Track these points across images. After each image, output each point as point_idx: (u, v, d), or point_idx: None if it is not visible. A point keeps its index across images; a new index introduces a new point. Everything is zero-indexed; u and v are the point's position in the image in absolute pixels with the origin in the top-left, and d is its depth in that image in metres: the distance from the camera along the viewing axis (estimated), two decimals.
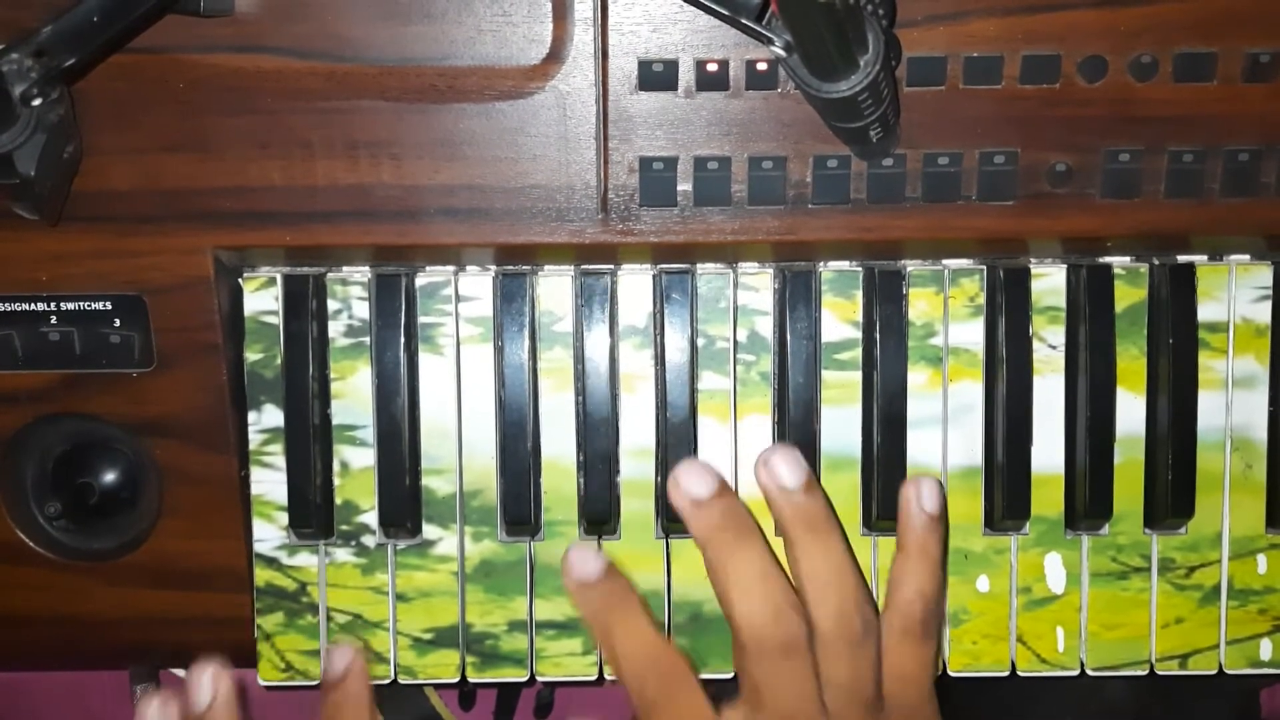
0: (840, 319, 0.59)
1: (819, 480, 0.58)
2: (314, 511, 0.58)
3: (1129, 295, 0.59)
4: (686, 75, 0.55)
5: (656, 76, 0.55)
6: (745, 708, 0.52)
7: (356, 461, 0.59)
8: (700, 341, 0.59)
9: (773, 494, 0.53)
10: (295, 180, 0.56)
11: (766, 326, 0.59)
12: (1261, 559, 0.60)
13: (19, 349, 0.57)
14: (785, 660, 0.51)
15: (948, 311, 0.59)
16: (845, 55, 0.48)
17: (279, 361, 0.58)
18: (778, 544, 0.53)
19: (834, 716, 0.51)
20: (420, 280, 0.59)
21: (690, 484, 0.52)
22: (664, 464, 0.59)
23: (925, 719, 0.54)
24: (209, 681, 0.52)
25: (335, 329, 0.59)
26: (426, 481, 0.59)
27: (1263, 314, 0.59)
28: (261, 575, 0.59)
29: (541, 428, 0.59)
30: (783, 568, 0.52)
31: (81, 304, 0.57)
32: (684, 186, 0.56)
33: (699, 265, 0.59)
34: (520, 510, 0.59)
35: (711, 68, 0.55)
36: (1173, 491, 0.59)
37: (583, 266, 0.59)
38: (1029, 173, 0.56)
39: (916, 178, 0.56)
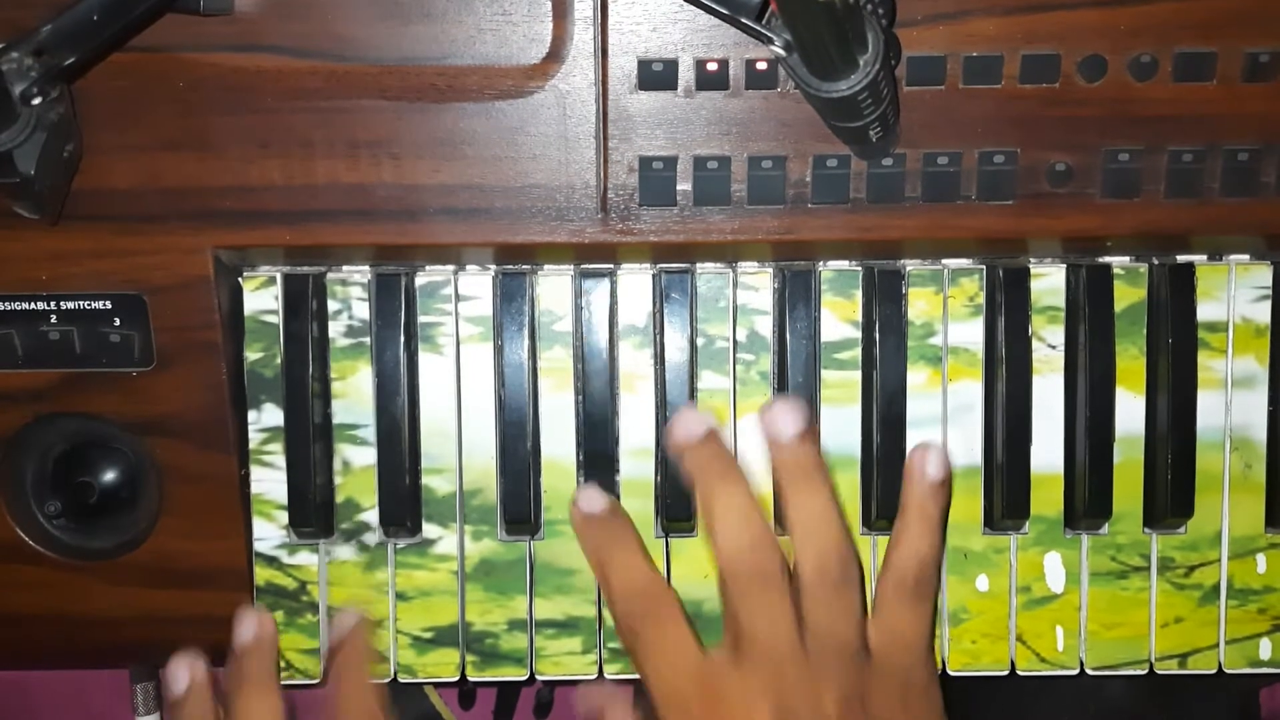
0: (840, 318, 0.59)
1: None
2: (314, 510, 0.58)
3: (1128, 295, 0.59)
4: (686, 74, 0.55)
5: (656, 76, 0.55)
6: (728, 641, 0.54)
7: (357, 460, 0.59)
8: (700, 341, 0.59)
9: (769, 441, 0.54)
10: (295, 179, 0.56)
11: (766, 326, 0.59)
12: (1261, 558, 0.60)
13: (19, 348, 0.57)
14: (762, 591, 0.52)
15: (947, 311, 0.59)
16: (845, 54, 0.48)
17: (279, 361, 0.58)
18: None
19: (814, 658, 0.52)
20: (420, 280, 0.59)
21: (685, 426, 0.54)
22: (664, 463, 0.59)
23: (920, 678, 0.55)
24: (253, 623, 0.56)
25: (335, 328, 0.59)
26: (426, 480, 0.59)
27: (1262, 314, 0.59)
28: (262, 574, 0.59)
29: (541, 427, 0.59)
30: (763, 512, 0.54)
31: (81, 303, 0.57)
32: (684, 186, 0.56)
33: (699, 265, 0.59)
34: (520, 509, 0.59)
35: (711, 67, 0.55)
36: (1172, 491, 0.59)
37: (582, 266, 0.59)
38: (1029, 172, 0.56)
39: (916, 177, 0.56)
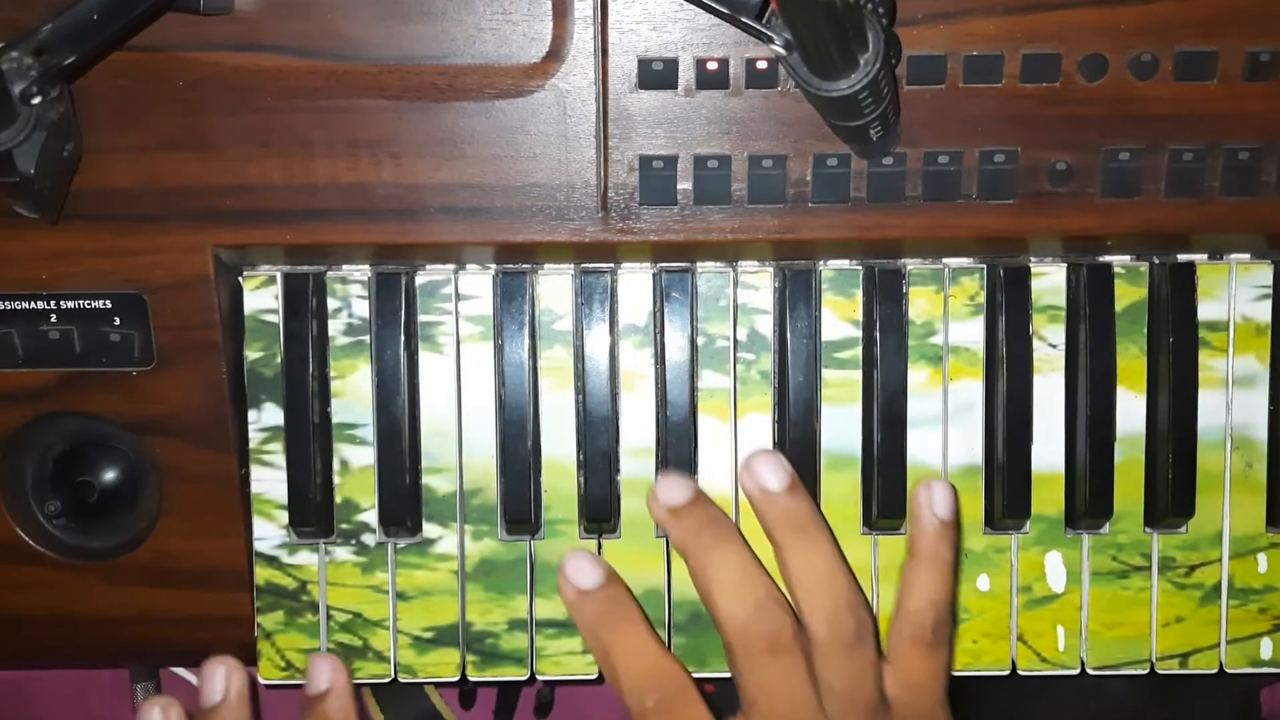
0: (840, 318, 0.59)
1: (818, 479, 0.58)
2: (314, 510, 0.58)
3: (1129, 294, 0.59)
4: (686, 74, 0.55)
5: (656, 75, 0.55)
6: (745, 709, 0.52)
7: (356, 460, 0.59)
8: (700, 340, 0.59)
9: (756, 498, 0.53)
10: (295, 178, 0.56)
11: (766, 325, 0.59)
12: (1262, 558, 0.60)
13: (19, 347, 0.57)
14: (774, 658, 0.50)
15: (948, 310, 0.59)
16: (845, 54, 0.48)
17: (279, 360, 0.58)
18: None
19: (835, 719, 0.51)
20: (420, 279, 0.59)
21: (667, 493, 0.53)
22: (664, 463, 0.59)
23: None
24: (221, 678, 0.52)
25: (335, 327, 0.59)
26: (426, 480, 0.59)
27: (1263, 313, 0.59)
28: (262, 574, 0.59)
29: (541, 426, 0.59)
30: (766, 569, 0.52)
31: (81, 302, 0.57)
32: (684, 185, 0.56)
33: (699, 264, 0.59)
34: (520, 509, 0.59)
35: (711, 66, 0.55)
36: (1173, 490, 0.59)
37: (583, 265, 0.59)
38: (1029, 171, 0.56)
39: (916, 176, 0.56)
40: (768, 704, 0.51)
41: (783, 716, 0.51)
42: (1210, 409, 0.59)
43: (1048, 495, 0.59)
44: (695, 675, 0.57)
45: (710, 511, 0.53)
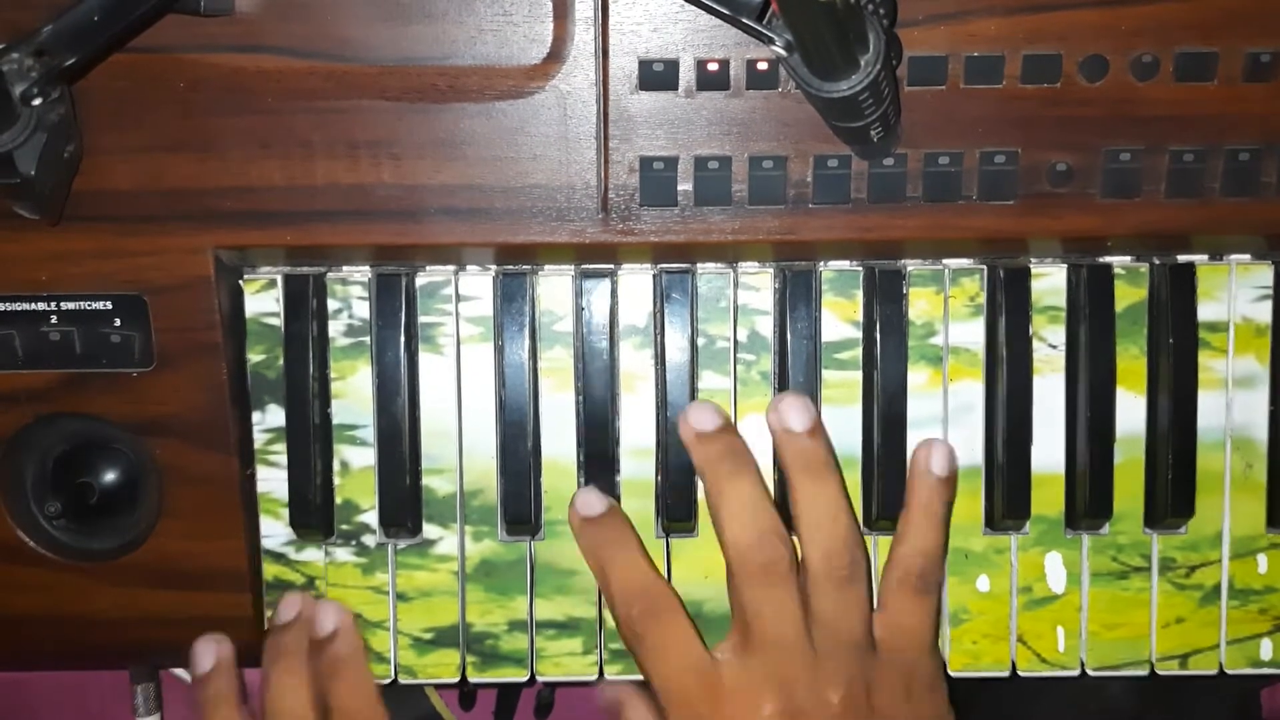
0: (840, 318, 0.59)
1: None
2: (314, 511, 0.58)
3: (1129, 295, 0.59)
4: (687, 75, 0.55)
5: (657, 76, 0.55)
6: (734, 636, 0.54)
7: (357, 461, 0.59)
8: (700, 341, 0.59)
9: (778, 435, 0.55)
10: (296, 180, 0.56)
11: (767, 326, 0.59)
12: (1262, 558, 0.60)
13: (19, 349, 0.57)
14: (768, 585, 0.53)
15: (948, 311, 0.59)
16: (846, 55, 0.48)
17: (281, 362, 0.58)
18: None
19: (820, 652, 0.53)
20: (420, 280, 0.59)
21: (697, 418, 0.56)
22: (664, 464, 0.59)
23: (924, 672, 0.55)
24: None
25: (335, 328, 0.59)
26: (427, 481, 0.59)
27: (1263, 313, 0.59)
28: (270, 570, 0.59)
29: (542, 427, 0.59)
30: (776, 507, 0.55)
31: (82, 304, 0.57)
32: (684, 186, 0.56)
33: (699, 265, 0.59)
34: (520, 510, 0.59)
35: (712, 67, 0.55)
36: (1173, 491, 0.59)
37: (583, 266, 0.59)
38: (1029, 172, 0.56)
39: (917, 177, 0.56)
40: (757, 625, 0.53)
41: (770, 638, 0.53)
42: (1210, 410, 0.59)
43: (1048, 496, 0.59)
44: None
45: (733, 442, 0.56)
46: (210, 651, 0.57)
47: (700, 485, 0.57)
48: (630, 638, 0.54)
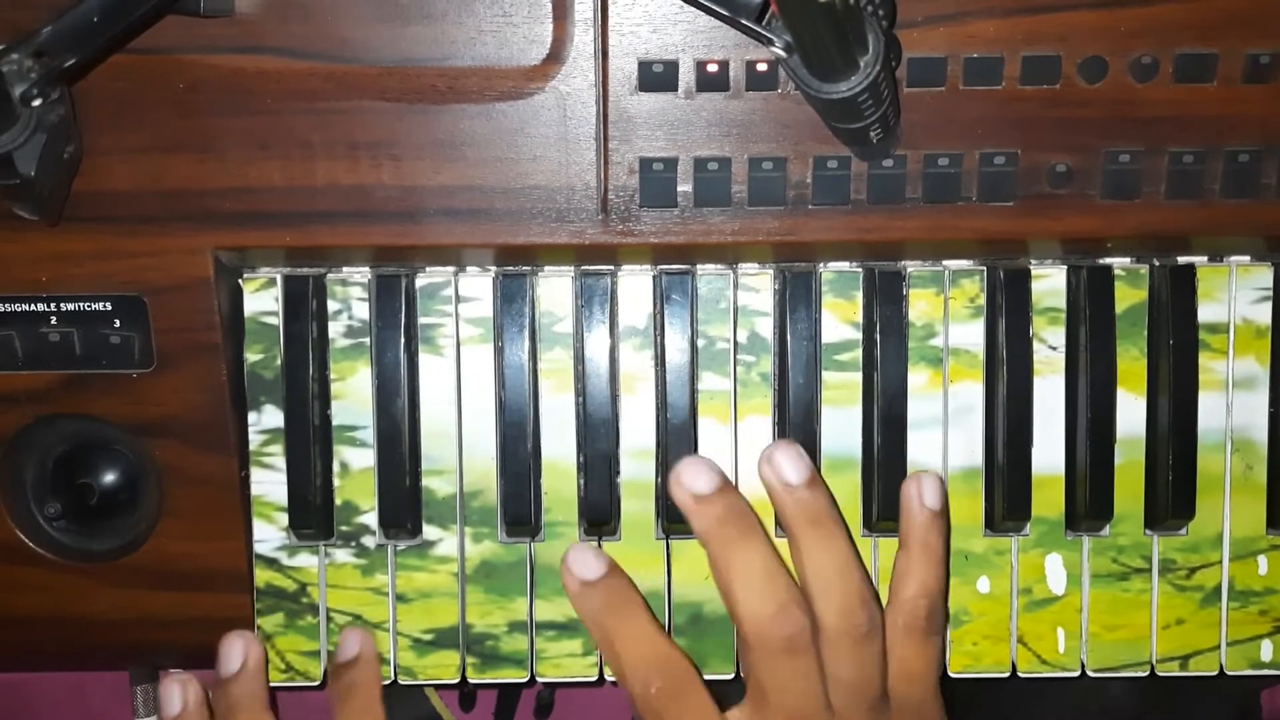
0: (840, 320, 0.59)
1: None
2: (314, 512, 0.58)
3: (1129, 296, 0.59)
4: (687, 76, 0.55)
5: (657, 77, 0.55)
6: (750, 707, 0.52)
7: (356, 462, 0.59)
8: (700, 342, 0.59)
9: (776, 490, 0.53)
10: (295, 181, 0.56)
11: (767, 327, 0.59)
12: (1262, 560, 0.60)
13: (19, 349, 0.57)
14: (790, 658, 0.51)
15: (948, 312, 0.59)
16: (845, 56, 0.48)
17: (279, 362, 0.58)
18: (783, 546, 0.53)
19: (839, 714, 0.51)
20: (420, 281, 0.59)
21: (692, 480, 0.52)
22: (664, 465, 0.59)
23: (931, 713, 0.54)
24: (239, 650, 0.56)
25: (335, 329, 0.59)
26: (426, 482, 0.59)
27: (1263, 315, 0.59)
28: (262, 576, 0.59)
29: (542, 428, 0.59)
30: (786, 565, 0.52)
31: (82, 304, 0.57)
32: (684, 187, 0.56)
33: (699, 266, 0.59)
34: (520, 511, 0.59)
35: (712, 68, 0.55)
36: (1173, 492, 0.59)
37: (583, 267, 0.59)
38: (1029, 174, 0.56)
39: (917, 178, 0.56)
40: (778, 699, 0.51)
41: (791, 711, 0.51)
42: (1210, 411, 0.59)
43: (1048, 497, 0.59)
44: None
45: (735, 503, 0.52)
46: (238, 651, 0.56)
47: (704, 544, 0.54)
48: (647, 714, 0.52)
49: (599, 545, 0.59)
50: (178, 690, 0.56)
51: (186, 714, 0.55)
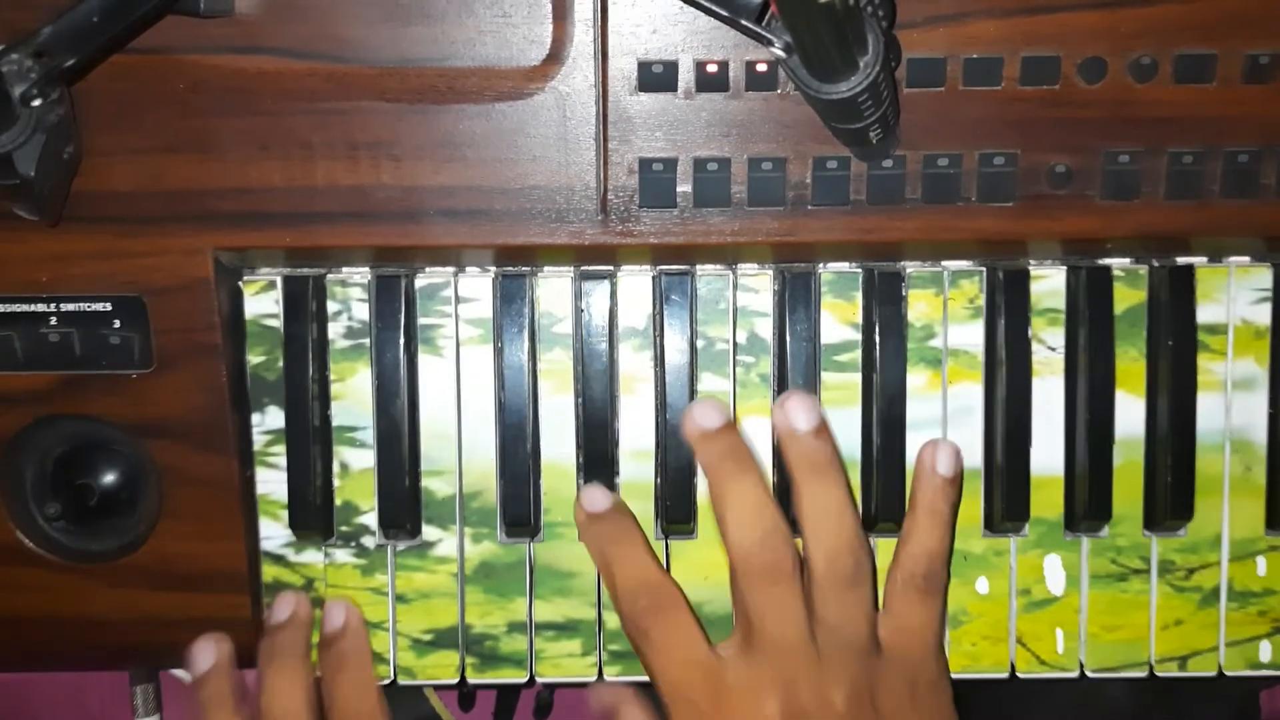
0: (840, 320, 0.59)
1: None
2: (314, 512, 0.58)
3: (1128, 297, 0.59)
4: (686, 76, 0.55)
5: (656, 77, 0.55)
6: (737, 636, 0.54)
7: (356, 463, 0.59)
8: (700, 343, 0.59)
9: (784, 435, 0.55)
10: (295, 181, 0.56)
11: (766, 328, 0.59)
12: (1261, 561, 0.60)
13: (19, 350, 0.57)
14: (772, 585, 0.53)
15: (947, 313, 0.59)
16: (845, 56, 0.48)
17: (280, 364, 0.58)
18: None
19: (824, 653, 0.53)
20: (420, 281, 0.59)
21: (702, 416, 0.55)
22: (664, 465, 0.59)
23: (929, 674, 0.55)
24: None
25: (335, 330, 0.59)
26: (426, 483, 0.59)
27: (1262, 316, 0.59)
28: (269, 572, 0.59)
29: (541, 429, 0.59)
30: (778, 506, 0.54)
31: (81, 305, 0.57)
32: (683, 188, 0.56)
33: (698, 266, 0.59)
34: (520, 511, 0.59)
35: (711, 69, 0.55)
36: (1172, 493, 0.59)
37: (582, 268, 0.59)
38: (1029, 174, 0.56)
39: (916, 179, 0.56)
40: (761, 625, 0.53)
41: (773, 639, 0.53)
42: (1209, 412, 0.59)
43: (1047, 498, 0.59)
44: None
45: (737, 441, 0.55)
46: (209, 651, 0.57)
47: (702, 484, 0.57)
48: (634, 633, 0.54)
49: None
50: (211, 646, 0.57)
51: (218, 669, 0.57)
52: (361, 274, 0.59)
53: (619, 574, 0.55)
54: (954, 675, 0.59)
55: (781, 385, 0.59)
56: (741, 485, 0.54)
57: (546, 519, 0.59)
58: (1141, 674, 0.60)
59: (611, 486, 0.59)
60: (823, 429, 0.55)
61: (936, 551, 0.55)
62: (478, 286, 0.59)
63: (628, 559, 0.55)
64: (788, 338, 0.58)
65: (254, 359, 0.58)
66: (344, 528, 0.59)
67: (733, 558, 0.54)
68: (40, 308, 0.57)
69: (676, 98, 0.56)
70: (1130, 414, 0.59)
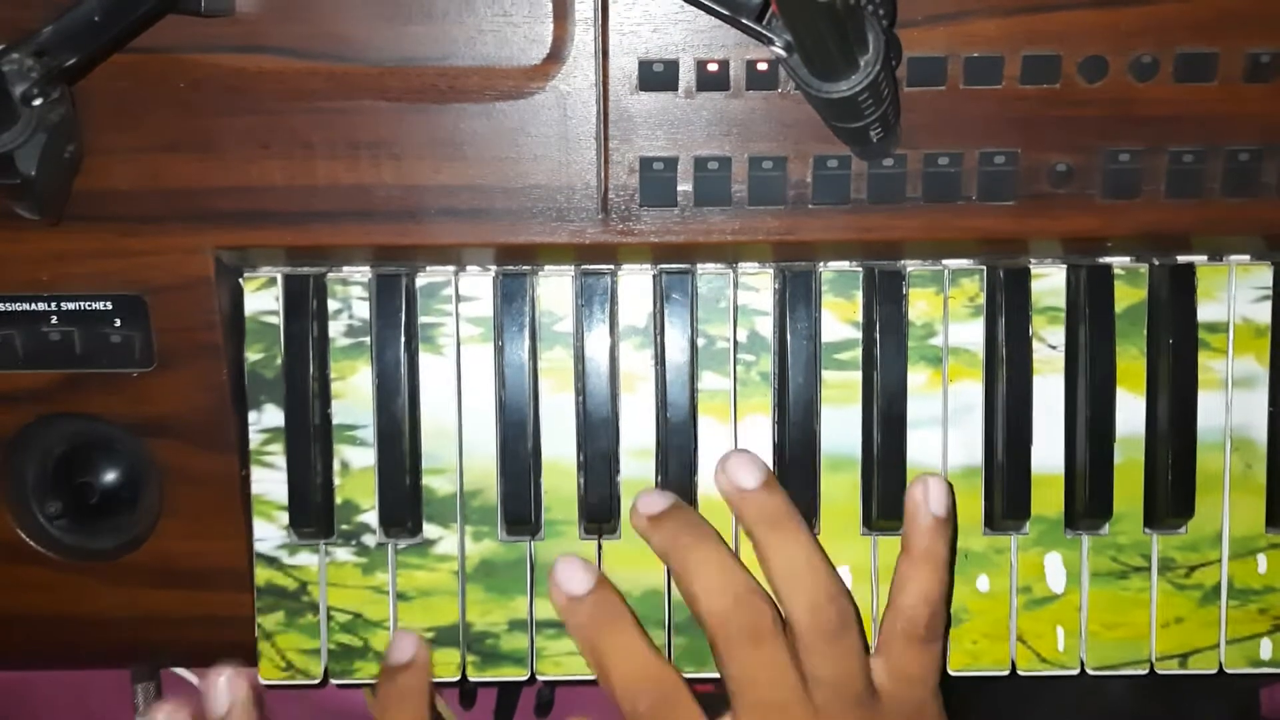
0: (840, 319, 0.59)
1: (818, 480, 0.58)
2: (314, 511, 0.58)
3: (1129, 295, 0.59)
4: (687, 75, 0.55)
5: (657, 76, 0.55)
6: (732, 711, 0.52)
7: (357, 461, 0.59)
8: (700, 341, 0.59)
9: (733, 497, 0.54)
10: (296, 180, 0.56)
11: (766, 326, 0.59)
12: (1261, 558, 0.60)
13: (20, 349, 0.57)
14: (755, 648, 0.51)
15: (948, 312, 0.59)
16: (845, 55, 0.48)
17: (279, 361, 0.58)
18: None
19: (822, 710, 0.51)
20: (420, 280, 0.59)
21: (646, 504, 0.55)
22: (664, 464, 0.59)
23: (930, 714, 0.54)
24: (226, 686, 0.53)
25: (335, 329, 0.59)
26: (427, 481, 0.59)
27: (1263, 314, 0.59)
28: (262, 574, 0.59)
29: (542, 427, 0.59)
30: (745, 566, 0.53)
31: (82, 304, 0.57)
32: (684, 186, 0.56)
33: (699, 265, 0.59)
34: (520, 510, 0.59)
35: (712, 68, 0.55)
36: (1173, 491, 0.59)
37: (583, 266, 0.59)
38: (1029, 173, 0.56)
39: (917, 178, 0.56)
40: (752, 692, 0.51)
41: (767, 704, 0.51)
42: (1210, 410, 0.59)
43: (1047, 496, 0.59)
44: (695, 675, 0.58)
45: (688, 516, 0.54)
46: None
47: (703, 482, 0.57)
48: None
49: (599, 544, 0.59)
50: (225, 685, 0.53)
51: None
52: (362, 273, 0.59)
53: (613, 668, 0.52)
54: (955, 673, 0.60)
55: (782, 384, 0.59)
56: (701, 554, 0.52)
57: (547, 517, 0.59)
58: (1142, 672, 0.60)
59: (612, 484, 0.59)
60: (770, 482, 0.54)
61: (936, 597, 0.53)
62: (478, 285, 0.59)
63: (621, 650, 0.53)
64: (788, 336, 0.58)
65: (252, 356, 0.58)
66: (344, 526, 0.59)
67: (710, 628, 0.52)
68: (41, 307, 0.57)
69: (677, 97, 0.56)
70: (1131, 412, 0.59)
